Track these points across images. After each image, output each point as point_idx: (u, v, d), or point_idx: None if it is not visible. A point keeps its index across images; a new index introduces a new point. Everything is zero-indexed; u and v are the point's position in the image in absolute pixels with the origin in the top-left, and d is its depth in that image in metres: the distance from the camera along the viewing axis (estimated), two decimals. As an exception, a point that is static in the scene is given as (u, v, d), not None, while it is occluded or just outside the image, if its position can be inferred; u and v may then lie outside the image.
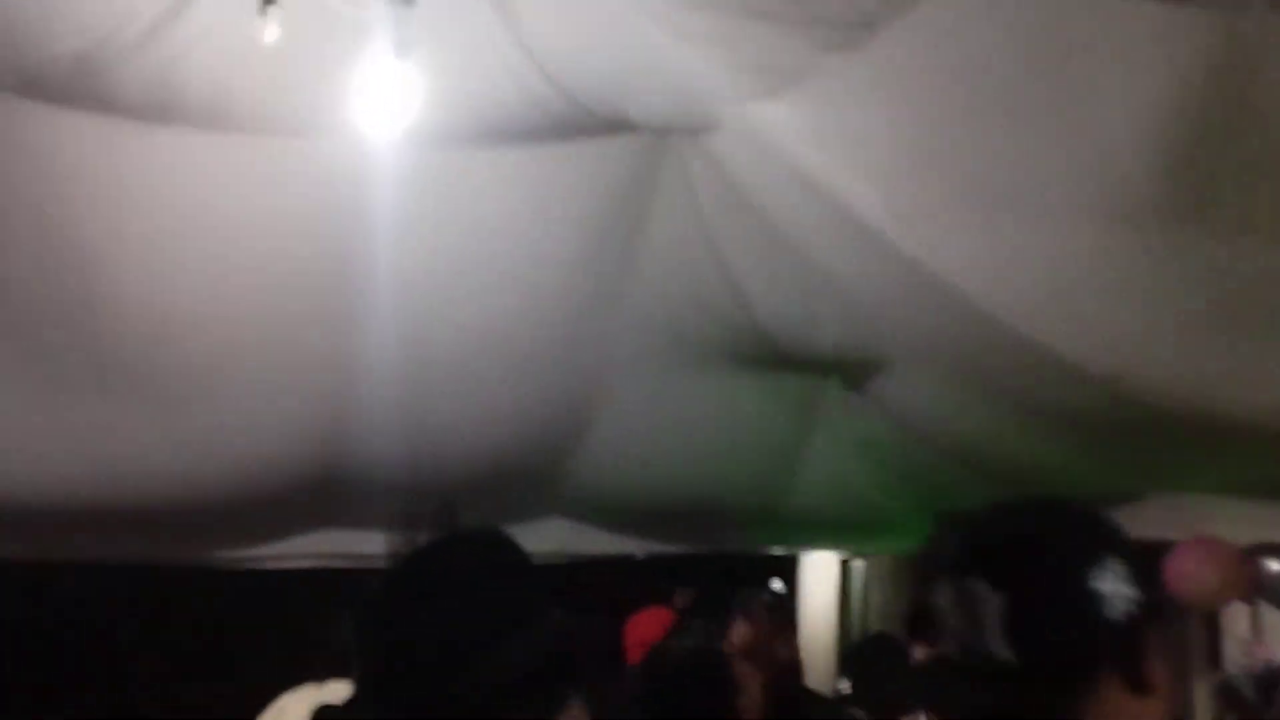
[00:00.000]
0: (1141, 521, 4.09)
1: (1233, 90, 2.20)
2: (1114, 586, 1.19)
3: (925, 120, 2.70)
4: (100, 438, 3.66)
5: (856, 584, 6.13)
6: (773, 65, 2.70)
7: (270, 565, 4.42)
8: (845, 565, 6.12)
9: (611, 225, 3.66)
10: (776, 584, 4.00)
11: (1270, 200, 2.33)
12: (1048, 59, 2.36)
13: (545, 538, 4.50)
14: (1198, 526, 3.91)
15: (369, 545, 4.23)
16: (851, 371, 4.24)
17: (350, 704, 1.27)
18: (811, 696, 4.28)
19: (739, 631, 3.90)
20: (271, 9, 2.27)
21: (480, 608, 1.23)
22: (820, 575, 6.10)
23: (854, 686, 4.11)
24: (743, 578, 5.40)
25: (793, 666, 4.05)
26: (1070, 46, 2.31)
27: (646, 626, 4.22)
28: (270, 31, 2.29)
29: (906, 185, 2.91)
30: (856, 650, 4.49)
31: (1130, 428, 3.42)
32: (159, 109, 2.80)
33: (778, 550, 5.64)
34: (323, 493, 4.20)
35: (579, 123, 3.18)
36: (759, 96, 2.84)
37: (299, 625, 3.11)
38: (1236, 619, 4.65)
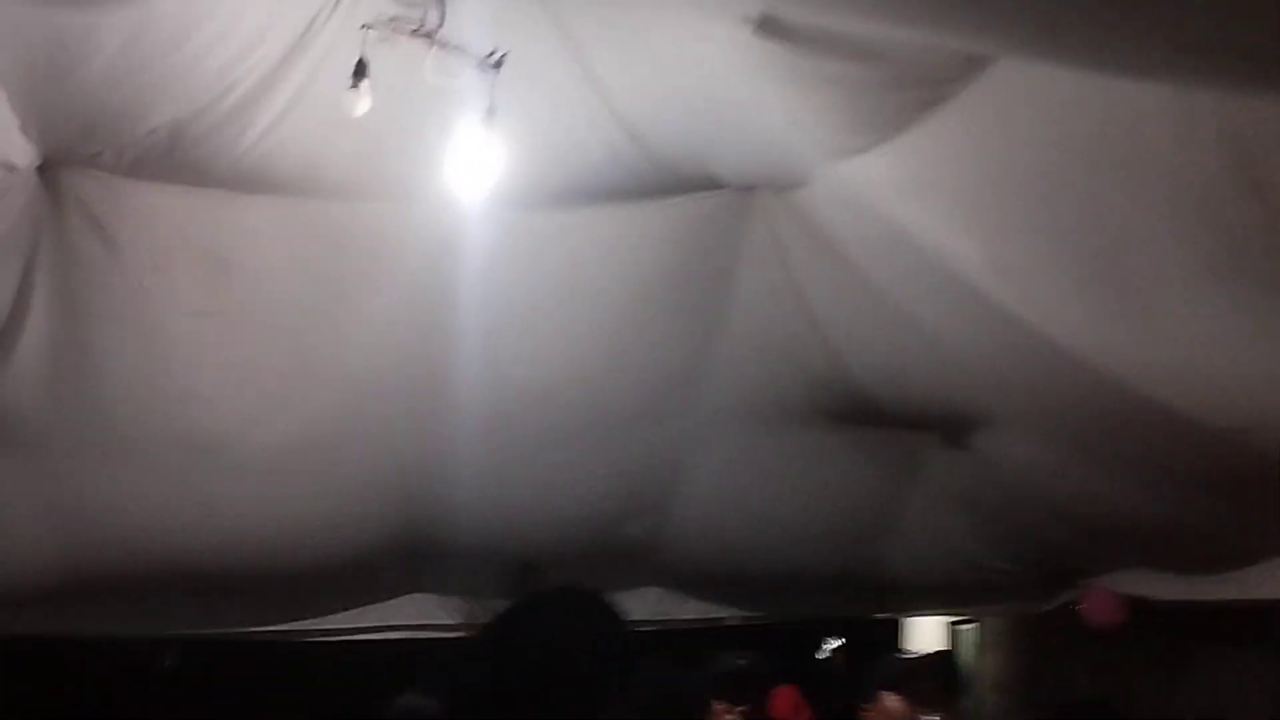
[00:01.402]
0: (1268, 582, 3.87)
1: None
2: None
3: (1021, 172, 2.62)
4: (188, 509, 3.69)
5: (967, 649, 5.90)
6: (860, 126, 2.66)
7: (358, 637, 4.39)
8: (953, 629, 5.90)
9: (699, 284, 3.62)
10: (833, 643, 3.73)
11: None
12: (1145, 111, 2.25)
13: (637, 606, 4.41)
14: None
15: (455, 614, 4.22)
16: (951, 427, 4.11)
17: None
18: None
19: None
20: (363, 81, 2.30)
21: (587, 665, 1.24)
22: (926, 641, 5.89)
23: None
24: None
25: None
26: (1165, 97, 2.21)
27: (783, 702, 4.43)
28: (362, 104, 2.32)
29: (1004, 239, 2.84)
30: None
31: (1253, 484, 3.23)
32: (253, 179, 2.85)
33: (880, 615, 5.45)
34: (410, 559, 4.19)
35: (665, 182, 3.17)
36: (850, 154, 2.80)
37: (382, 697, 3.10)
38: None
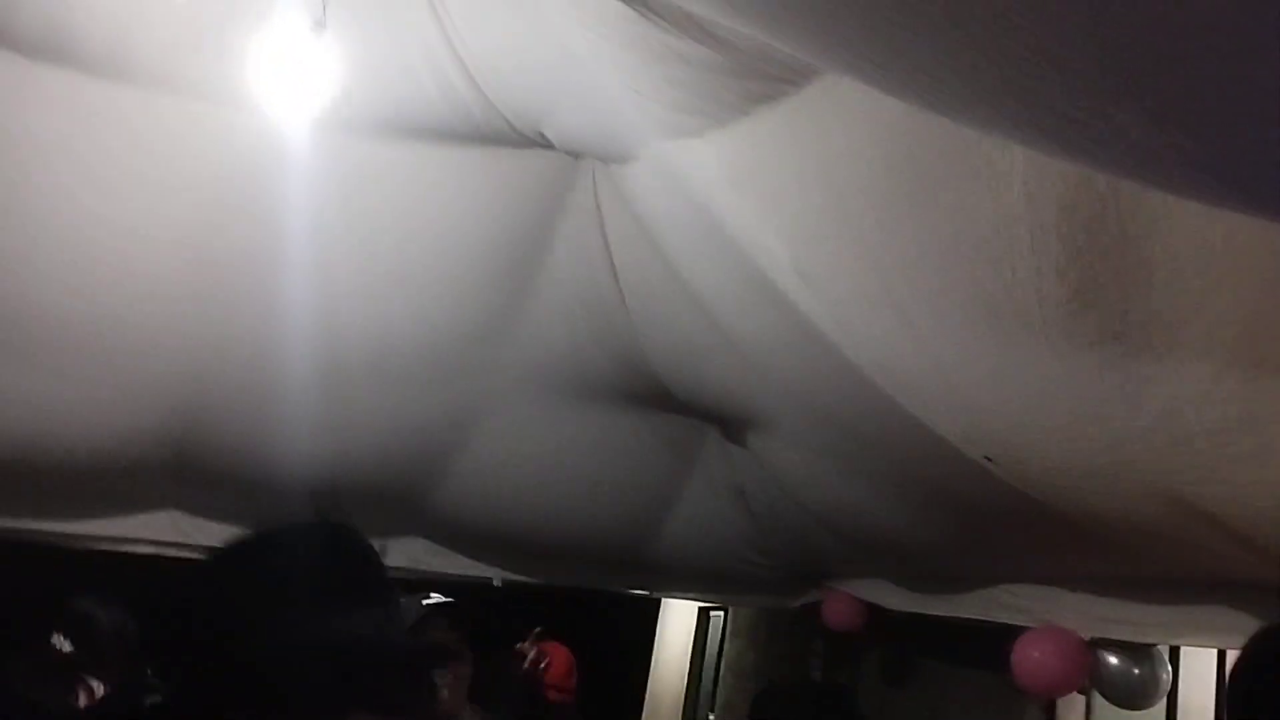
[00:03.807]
0: (993, 606, 4.17)
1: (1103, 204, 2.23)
2: None
3: (838, 182, 2.70)
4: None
5: (714, 635, 6.12)
6: (697, 108, 2.68)
7: (107, 548, 4.15)
8: (705, 614, 6.11)
9: (516, 242, 3.59)
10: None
11: (1138, 313, 2.36)
12: (953, 144, 2.36)
13: (403, 555, 4.36)
14: (1045, 615, 3.99)
15: (213, 535, 4.05)
16: (733, 422, 4.23)
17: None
18: None
19: None
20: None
21: (322, 587, 1.23)
22: (679, 622, 6.08)
23: None
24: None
25: None
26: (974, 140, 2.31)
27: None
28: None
29: (811, 244, 2.91)
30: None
31: (991, 516, 3.47)
32: (51, 48, 2.64)
33: (640, 592, 5.58)
34: (176, 473, 4.00)
35: (497, 132, 3.12)
36: (680, 135, 2.82)
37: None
38: (1072, 707, 4.76)
